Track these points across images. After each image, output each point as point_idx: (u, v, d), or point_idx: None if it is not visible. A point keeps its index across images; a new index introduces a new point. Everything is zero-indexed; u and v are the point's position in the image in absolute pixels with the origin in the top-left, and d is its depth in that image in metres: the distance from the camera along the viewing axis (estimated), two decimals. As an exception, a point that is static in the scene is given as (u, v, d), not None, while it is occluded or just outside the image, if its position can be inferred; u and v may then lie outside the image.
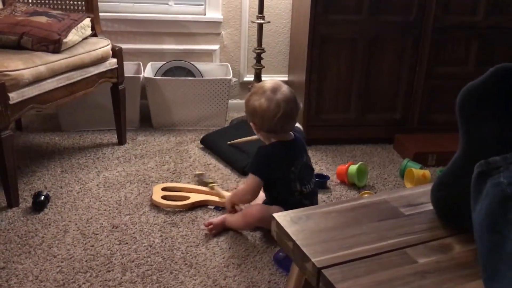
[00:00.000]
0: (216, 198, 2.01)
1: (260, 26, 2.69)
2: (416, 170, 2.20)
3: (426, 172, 2.20)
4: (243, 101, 3.01)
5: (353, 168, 2.19)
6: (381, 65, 2.52)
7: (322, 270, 0.88)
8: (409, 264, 0.91)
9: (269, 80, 1.85)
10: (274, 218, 1.05)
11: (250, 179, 1.79)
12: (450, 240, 0.99)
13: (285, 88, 1.75)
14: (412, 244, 0.97)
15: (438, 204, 1.05)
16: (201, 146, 2.53)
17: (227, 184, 2.17)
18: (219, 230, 1.83)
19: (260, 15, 2.65)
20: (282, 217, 1.05)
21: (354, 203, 1.12)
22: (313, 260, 0.91)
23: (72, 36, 2.11)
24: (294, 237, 0.98)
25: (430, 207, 1.09)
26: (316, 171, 2.11)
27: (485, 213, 0.79)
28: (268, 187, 1.82)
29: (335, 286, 0.84)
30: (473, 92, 0.95)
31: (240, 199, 1.89)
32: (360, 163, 2.21)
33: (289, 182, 1.76)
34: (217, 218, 1.86)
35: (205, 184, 2.10)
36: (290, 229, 1.00)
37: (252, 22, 2.75)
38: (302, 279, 1.04)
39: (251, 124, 1.81)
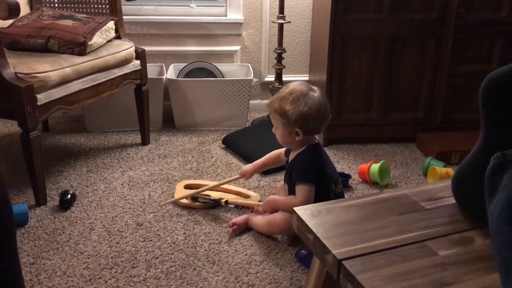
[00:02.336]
0: (235, 197, 2.04)
1: (281, 26, 2.70)
2: (439, 168, 2.18)
3: (450, 170, 2.18)
4: (265, 101, 3.09)
5: (375, 167, 2.18)
6: (402, 64, 2.50)
7: (343, 262, 0.89)
8: (429, 256, 0.91)
9: (291, 84, 1.74)
10: (295, 211, 1.07)
11: (304, 189, 1.69)
12: (472, 233, 0.99)
13: (312, 86, 1.74)
14: (433, 237, 0.97)
15: (458, 197, 1.05)
16: (223, 146, 2.56)
17: (249, 183, 2.19)
18: (242, 229, 1.85)
19: (281, 15, 2.67)
20: (303, 211, 1.06)
21: (374, 198, 1.13)
22: (333, 252, 0.92)
23: (97, 39, 2.16)
24: (314, 230, 0.99)
25: (451, 201, 1.09)
26: (338, 170, 2.11)
27: (503, 206, 0.78)
28: None
29: (355, 277, 0.85)
30: (499, 79, 0.92)
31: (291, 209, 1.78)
32: (382, 161, 2.20)
33: (326, 184, 1.74)
34: (240, 217, 1.87)
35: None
36: (310, 222, 1.01)
37: (273, 22, 2.77)
38: (323, 272, 1.05)
39: (289, 131, 1.71)
